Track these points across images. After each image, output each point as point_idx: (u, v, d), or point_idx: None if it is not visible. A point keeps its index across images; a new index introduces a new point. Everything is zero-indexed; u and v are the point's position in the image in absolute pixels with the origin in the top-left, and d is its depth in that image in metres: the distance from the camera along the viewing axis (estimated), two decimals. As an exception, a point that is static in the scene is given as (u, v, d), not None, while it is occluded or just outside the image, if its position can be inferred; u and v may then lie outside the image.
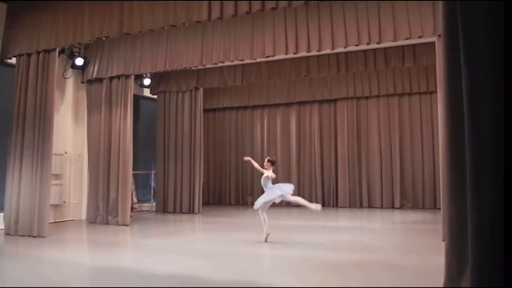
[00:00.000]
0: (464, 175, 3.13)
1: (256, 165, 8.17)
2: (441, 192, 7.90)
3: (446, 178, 3.58)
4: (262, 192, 7.87)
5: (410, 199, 13.41)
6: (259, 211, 7.71)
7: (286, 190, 7.72)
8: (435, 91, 10.06)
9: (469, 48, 3.05)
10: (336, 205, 14.07)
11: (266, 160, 7.98)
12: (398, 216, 11.86)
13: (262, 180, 7.79)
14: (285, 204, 13.98)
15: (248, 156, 15.29)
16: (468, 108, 2.99)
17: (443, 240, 6.70)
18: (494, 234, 2.79)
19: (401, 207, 13.33)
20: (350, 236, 8.59)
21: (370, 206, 13.76)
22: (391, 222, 10.76)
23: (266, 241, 7.55)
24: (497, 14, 2.93)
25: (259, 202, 7.65)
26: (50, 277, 5.44)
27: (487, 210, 2.84)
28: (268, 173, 7.76)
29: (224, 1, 7.13)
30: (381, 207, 13.54)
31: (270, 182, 7.72)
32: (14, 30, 9.14)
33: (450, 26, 3.50)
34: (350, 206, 13.85)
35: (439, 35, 7.59)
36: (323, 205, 14.14)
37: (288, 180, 14.72)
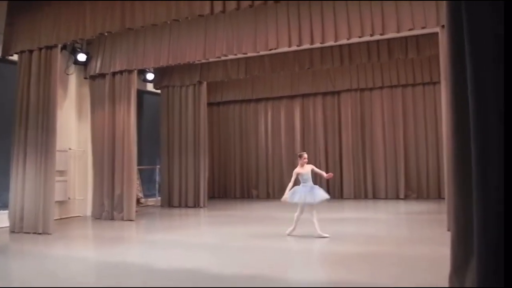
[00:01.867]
0: (469, 166, 3.12)
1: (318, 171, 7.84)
2: (445, 183, 7.88)
3: (451, 169, 3.56)
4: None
5: (414, 189, 13.41)
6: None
7: (311, 199, 7.28)
8: (439, 82, 10.03)
9: (474, 39, 3.02)
10: (341, 196, 14.08)
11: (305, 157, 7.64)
12: (403, 206, 11.86)
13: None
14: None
15: (252, 149, 15.40)
16: (473, 99, 2.97)
17: (448, 230, 6.70)
18: (500, 225, 2.78)
19: (406, 197, 13.34)
20: (356, 227, 8.59)
21: (375, 197, 13.77)
22: (396, 213, 10.77)
23: (288, 234, 7.42)
24: (501, 4, 2.90)
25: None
26: (56, 273, 5.45)
27: (493, 201, 2.82)
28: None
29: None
30: (386, 198, 13.55)
31: (303, 179, 7.43)
32: (15, 26, 9.12)
33: (454, 17, 3.47)
34: (355, 198, 13.86)
35: (442, 26, 7.56)
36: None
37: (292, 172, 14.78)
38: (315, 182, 7.70)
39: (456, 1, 3.42)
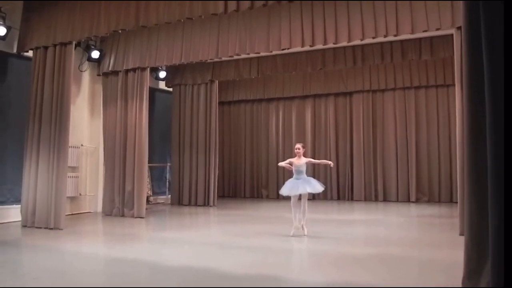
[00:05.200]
0: (484, 169, 3.09)
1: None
2: (458, 186, 7.81)
3: (466, 171, 3.53)
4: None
5: (426, 192, 13.31)
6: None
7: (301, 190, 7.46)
8: (452, 84, 9.94)
9: (492, 41, 3.00)
10: (351, 198, 14.03)
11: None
12: (414, 209, 11.78)
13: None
14: (299, 197, 14.06)
15: (262, 149, 15.40)
16: (490, 102, 2.94)
17: (460, 235, 6.66)
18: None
19: (417, 200, 13.24)
20: (366, 229, 8.55)
21: (385, 199, 13.69)
22: (407, 216, 10.70)
23: (292, 235, 7.41)
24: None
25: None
26: (66, 269, 5.48)
27: (509, 204, 2.79)
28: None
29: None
30: (397, 201, 13.46)
31: (296, 171, 7.52)
32: (31, 23, 9.21)
33: (471, 19, 3.44)
34: (365, 200, 13.79)
35: (457, 27, 7.51)
36: (338, 198, 14.13)
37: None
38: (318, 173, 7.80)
39: (473, 2, 3.39)
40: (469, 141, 3.44)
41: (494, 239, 2.85)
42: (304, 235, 7.37)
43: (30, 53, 9.30)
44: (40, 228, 8.48)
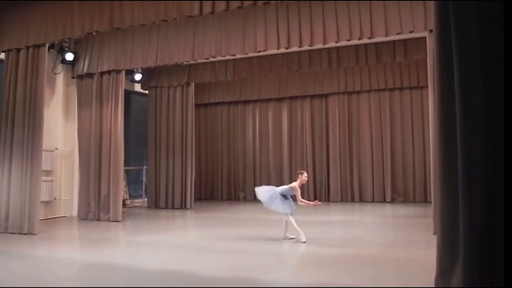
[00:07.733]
0: (456, 169, 3.14)
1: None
2: (432, 186, 7.93)
3: (438, 172, 3.59)
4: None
5: (401, 193, 13.48)
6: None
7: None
8: (426, 86, 10.10)
9: (462, 43, 3.05)
10: (327, 199, 14.12)
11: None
12: (389, 210, 11.91)
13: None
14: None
15: (239, 151, 15.38)
16: (460, 103, 3.00)
17: (434, 234, 6.75)
18: (485, 229, 2.80)
19: (392, 201, 13.40)
20: (342, 230, 8.62)
21: (361, 200, 13.82)
22: (383, 216, 10.81)
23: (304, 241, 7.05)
24: (489, 8, 2.93)
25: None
26: (40, 275, 5.40)
27: (479, 205, 2.85)
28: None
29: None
30: (373, 201, 13.60)
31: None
32: (3, 24, 9.04)
33: (442, 21, 3.50)
34: (341, 201, 13.90)
35: (430, 30, 7.63)
36: (315, 199, 14.17)
37: (280, 175, 14.75)
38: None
39: (444, 5, 3.45)
40: (440, 143, 3.50)
41: (465, 240, 2.91)
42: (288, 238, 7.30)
43: (2, 55, 9.15)
44: (14, 233, 8.32)
